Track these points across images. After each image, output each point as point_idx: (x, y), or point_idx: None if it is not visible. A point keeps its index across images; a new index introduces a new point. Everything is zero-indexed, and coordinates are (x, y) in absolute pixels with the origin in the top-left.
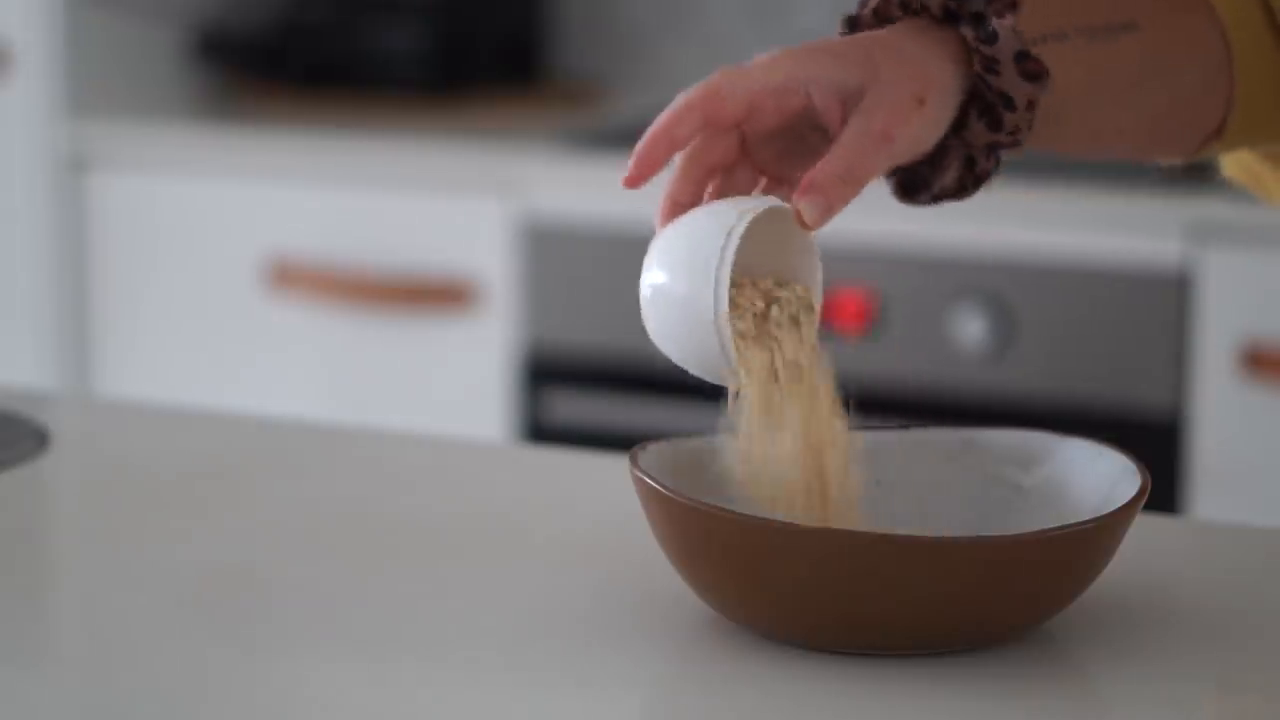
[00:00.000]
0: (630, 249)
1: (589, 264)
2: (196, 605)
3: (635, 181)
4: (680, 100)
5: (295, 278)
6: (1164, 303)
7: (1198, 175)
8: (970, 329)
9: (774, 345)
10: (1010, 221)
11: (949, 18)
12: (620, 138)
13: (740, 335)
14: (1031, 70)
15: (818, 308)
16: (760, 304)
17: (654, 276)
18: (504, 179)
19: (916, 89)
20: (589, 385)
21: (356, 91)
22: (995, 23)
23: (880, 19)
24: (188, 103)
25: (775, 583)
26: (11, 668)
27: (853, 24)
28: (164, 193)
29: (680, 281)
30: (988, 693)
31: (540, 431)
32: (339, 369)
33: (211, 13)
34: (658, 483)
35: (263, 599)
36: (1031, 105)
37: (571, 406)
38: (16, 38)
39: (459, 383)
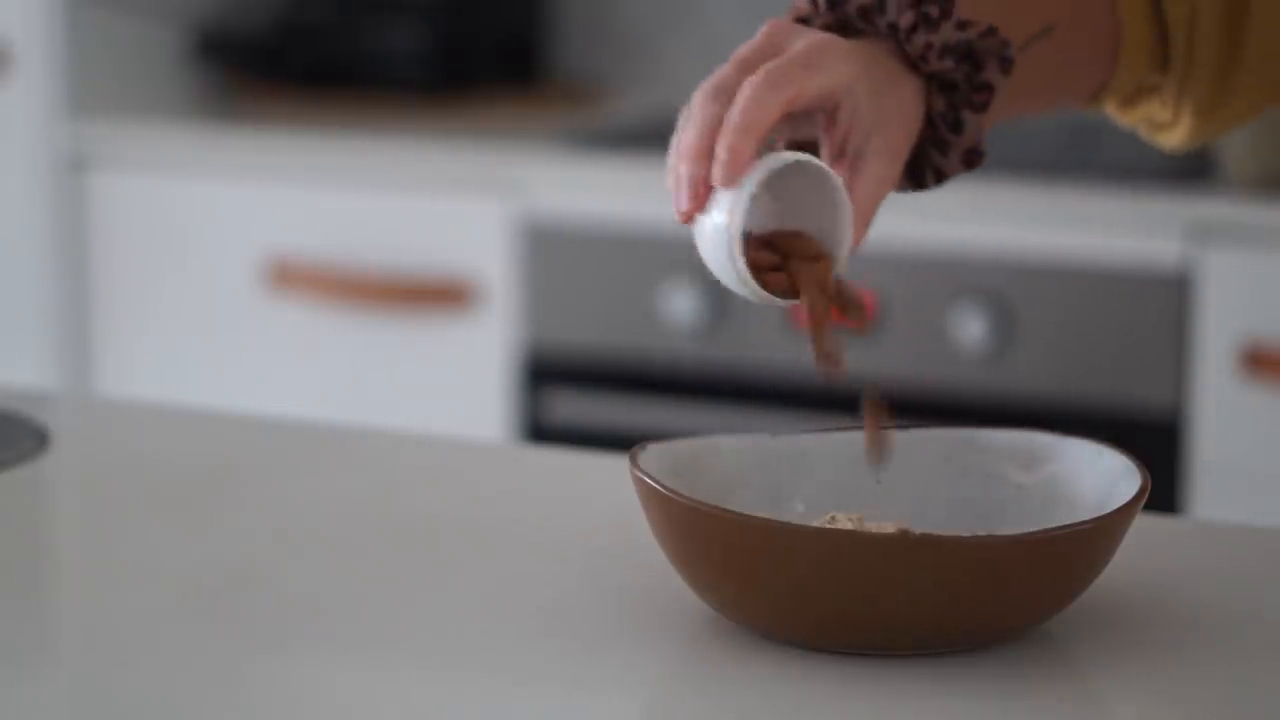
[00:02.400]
0: (630, 249)
1: (589, 264)
2: (196, 605)
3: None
4: (756, 95)
5: (295, 278)
6: (1164, 303)
7: (1198, 175)
8: (970, 329)
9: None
10: (1010, 221)
11: (920, 64)
12: (620, 138)
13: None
14: (973, 160)
15: (840, 255)
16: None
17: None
18: (504, 179)
19: (899, 165)
20: (589, 385)
21: (356, 91)
22: (972, 115)
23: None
24: (188, 103)
25: (775, 583)
26: (11, 668)
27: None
28: (164, 193)
29: (716, 213)
30: (988, 693)
31: (540, 431)
32: (339, 369)
33: (211, 13)
34: (658, 483)
35: (263, 599)
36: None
37: (571, 406)
38: (16, 38)
39: (459, 383)
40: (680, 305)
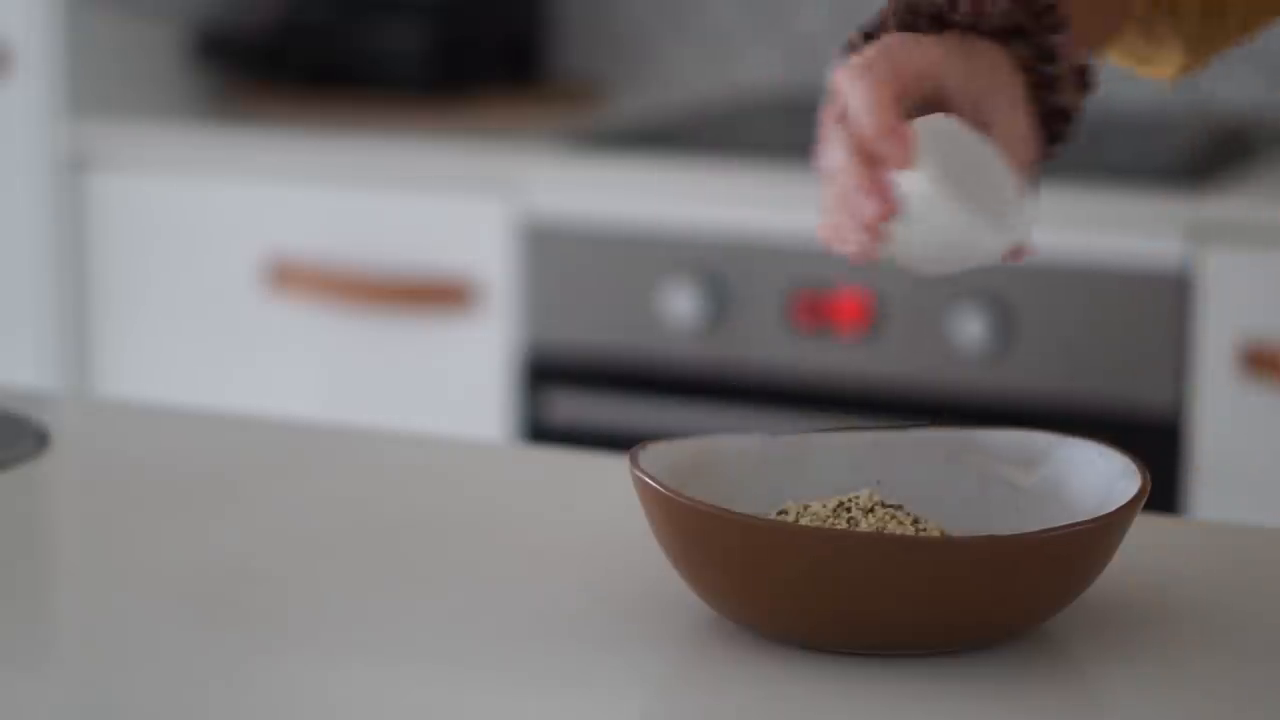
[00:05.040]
0: (630, 249)
1: (589, 264)
2: (197, 605)
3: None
4: (859, 83)
5: (295, 278)
6: (1164, 303)
7: (1199, 175)
8: (970, 329)
9: None
10: None
11: (994, 34)
12: (620, 138)
13: None
14: (1086, 80)
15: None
16: None
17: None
18: (504, 179)
19: (1025, 113)
20: (589, 385)
21: (356, 91)
22: (1054, 39)
23: (903, 27)
24: (188, 103)
25: (775, 583)
26: (11, 668)
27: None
28: (164, 193)
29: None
30: (988, 693)
31: (540, 431)
32: (339, 369)
33: (211, 13)
34: (658, 483)
35: (263, 599)
36: (1081, 111)
37: (571, 406)
38: (16, 38)
39: (459, 383)
40: (680, 305)
